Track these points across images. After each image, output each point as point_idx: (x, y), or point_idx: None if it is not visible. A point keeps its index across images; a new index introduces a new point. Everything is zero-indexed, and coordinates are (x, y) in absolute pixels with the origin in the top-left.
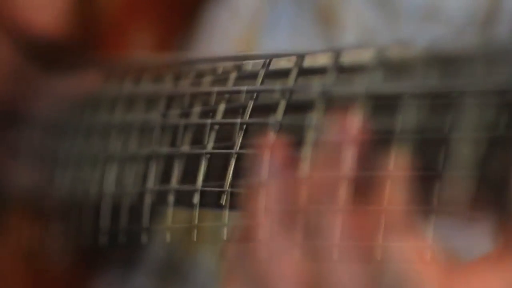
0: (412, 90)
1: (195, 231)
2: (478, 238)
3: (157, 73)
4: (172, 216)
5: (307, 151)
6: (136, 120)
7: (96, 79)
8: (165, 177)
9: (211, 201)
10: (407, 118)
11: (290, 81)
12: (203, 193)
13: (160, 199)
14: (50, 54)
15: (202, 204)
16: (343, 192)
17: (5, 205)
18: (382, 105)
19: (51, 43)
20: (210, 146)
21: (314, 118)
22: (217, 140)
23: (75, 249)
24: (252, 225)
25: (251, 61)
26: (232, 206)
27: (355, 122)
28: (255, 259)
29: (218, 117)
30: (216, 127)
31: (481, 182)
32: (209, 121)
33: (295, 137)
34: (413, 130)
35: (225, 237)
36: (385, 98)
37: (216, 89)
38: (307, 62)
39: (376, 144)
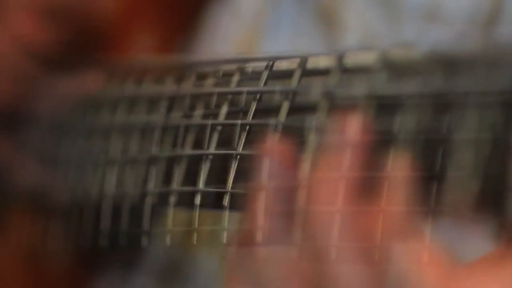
0: (414, 92)
1: (195, 234)
2: (479, 240)
3: (159, 75)
4: (172, 217)
5: (309, 153)
6: (137, 121)
7: (98, 80)
8: (167, 178)
9: (212, 202)
10: (410, 120)
11: (293, 82)
12: (204, 194)
13: (162, 200)
14: (52, 55)
15: (203, 205)
16: (345, 194)
17: (6, 205)
18: (385, 107)
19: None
20: (212, 147)
21: (317, 119)
22: (219, 141)
23: (76, 249)
24: (253, 227)
25: (254, 63)
26: (233, 207)
27: (358, 123)
28: (256, 261)
29: (221, 119)
30: (219, 128)
31: (483, 183)
32: (210, 122)
33: (298, 138)
34: (415, 132)
35: (225, 240)
36: (388, 99)
37: (218, 90)
38: (310, 64)
39: (379, 145)
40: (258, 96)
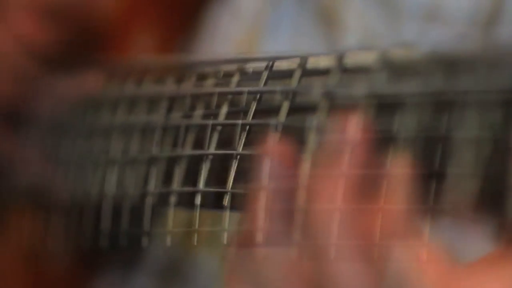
0: (414, 92)
1: (195, 235)
2: (478, 240)
3: (159, 75)
4: (172, 217)
5: (309, 153)
6: (138, 121)
7: (98, 80)
8: (167, 178)
9: (212, 202)
10: (410, 119)
11: (293, 82)
12: (204, 194)
13: (162, 200)
14: (52, 55)
15: (203, 205)
16: (345, 193)
17: (6, 205)
18: (385, 107)
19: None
20: (212, 147)
21: (317, 119)
22: (219, 141)
23: (76, 249)
24: (253, 227)
25: (254, 63)
26: (233, 208)
27: (358, 123)
28: (256, 261)
29: (221, 119)
30: (219, 128)
31: (483, 183)
32: (210, 122)
33: (298, 138)
34: (415, 131)
35: (225, 241)
36: (388, 99)
37: (218, 90)
38: (310, 64)
39: (379, 145)
40: (258, 96)
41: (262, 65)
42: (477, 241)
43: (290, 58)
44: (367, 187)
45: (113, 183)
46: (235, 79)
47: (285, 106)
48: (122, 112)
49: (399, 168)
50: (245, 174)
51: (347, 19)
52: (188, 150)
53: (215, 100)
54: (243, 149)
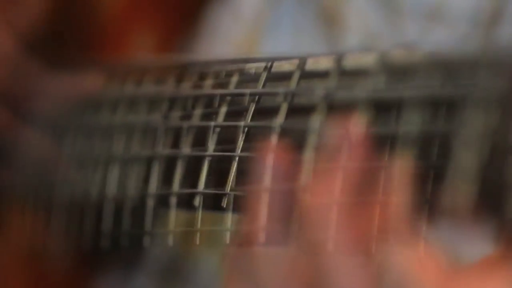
0: (414, 95)
1: (198, 235)
2: (478, 241)
3: (159, 75)
4: (174, 218)
5: (308, 155)
6: (138, 122)
7: (98, 80)
8: (167, 179)
9: (212, 203)
10: (410, 123)
11: (292, 84)
12: (204, 195)
13: (162, 201)
14: (52, 54)
15: (203, 206)
16: (344, 195)
17: (7, 205)
18: (384, 110)
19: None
20: (211, 148)
21: (316, 121)
22: (218, 142)
23: (77, 249)
24: (253, 228)
25: (253, 64)
26: (234, 209)
27: (357, 126)
28: (255, 262)
29: (220, 120)
30: (217, 129)
31: (482, 185)
32: (212, 123)
33: (297, 140)
34: (415, 135)
35: (227, 241)
36: (388, 102)
37: (217, 91)
38: (310, 65)
39: (378, 148)
40: (256, 97)
41: (262, 65)
42: (476, 243)
43: (289, 59)
44: (366, 188)
45: (113, 183)
46: (235, 79)
47: (284, 108)
48: (122, 112)
49: (398, 170)
50: (244, 175)
51: (348, 19)
52: (187, 151)
53: (214, 100)
54: (241, 150)
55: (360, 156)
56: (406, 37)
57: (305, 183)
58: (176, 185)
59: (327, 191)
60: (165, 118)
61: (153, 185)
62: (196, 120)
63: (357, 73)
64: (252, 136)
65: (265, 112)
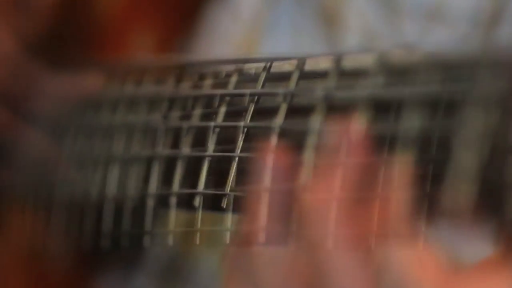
0: (414, 95)
1: (198, 235)
2: (478, 242)
3: (159, 75)
4: (174, 218)
5: (308, 155)
6: (137, 122)
7: (98, 80)
8: (167, 179)
9: (212, 203)
10: (409, 123)
11: (292, 84)
12: (204, 196)
13: (162, 201)
14: (52, 53)
15: (203, 206)
16: (343, 196)
17: (7, 205)
18: (384, 110)
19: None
20: (211, 149)
21: (315, 122)
22: (218, 143)
23: (77, 249)
24: (252, 228)
25: (252, 64)
26: (233, 209)
27: (356, 126)
28: (255, 262)
29: (219, 120)
30: (217, 129)
31: (482, 185)
32: (212, 123)
33: (297, 140)
34: (415, 135)
35: (227, 241)
36: (387, 103)
37: (217, 91)
38: (309, 65)
39: (378, 148)
40: (256, 98)
41: (261, 66)
42: (476, 243)
43: (288, 60)
44: (366, 188)
45: (113, 184)
46: (234, 79)
47: (283, 108)
48: (122, 112)
49: (398, 170)
50: (244, 175)
51: (347, 19)
52: (187, 151)
53: (214, 100)
54: (241, 150)
55: (360, 156)
56: (405, 37)
57: (305, 183)
58: (176, 185)
59: (326, 191)
60: (165, 118)
61: (153, 185)
62: (195, 120)
63: (357, 73)
64: (252, 136)
65: (265, 112)
